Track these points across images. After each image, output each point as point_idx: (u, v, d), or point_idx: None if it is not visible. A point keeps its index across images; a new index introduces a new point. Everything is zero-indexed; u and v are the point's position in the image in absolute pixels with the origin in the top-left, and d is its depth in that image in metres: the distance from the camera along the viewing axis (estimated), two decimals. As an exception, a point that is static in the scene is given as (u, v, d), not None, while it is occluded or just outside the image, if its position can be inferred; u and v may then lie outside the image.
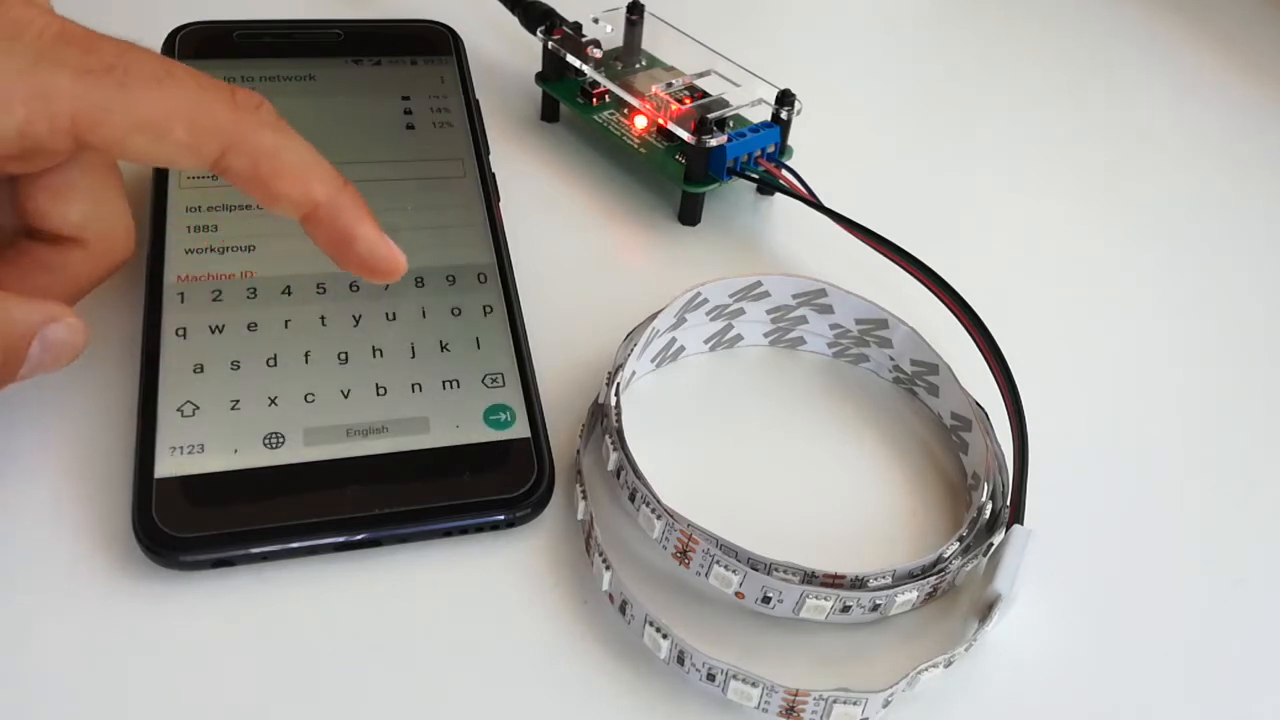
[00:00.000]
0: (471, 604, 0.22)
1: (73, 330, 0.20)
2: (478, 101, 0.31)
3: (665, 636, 0.21)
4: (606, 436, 0.24)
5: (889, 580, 0.22)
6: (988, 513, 0.24)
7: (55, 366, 0.20)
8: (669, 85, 0.33)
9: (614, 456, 0.23)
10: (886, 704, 0.21)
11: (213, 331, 0.24)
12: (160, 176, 0.27)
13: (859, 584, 0.22)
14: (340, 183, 0.21)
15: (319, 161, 0.21)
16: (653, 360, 0.27)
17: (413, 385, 0.24)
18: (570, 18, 0.34)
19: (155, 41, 0.30)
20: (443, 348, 0.25)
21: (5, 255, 0.21)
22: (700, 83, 0.33)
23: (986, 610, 0.22)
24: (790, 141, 0.32)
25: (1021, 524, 0.23)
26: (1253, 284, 0.33)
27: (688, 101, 0.32)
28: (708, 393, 0.27)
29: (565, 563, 0.23)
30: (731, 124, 0.31)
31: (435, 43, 0.33)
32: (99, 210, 0.21)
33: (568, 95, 0.34)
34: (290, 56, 0.31)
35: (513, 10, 0.35)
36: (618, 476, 0.23)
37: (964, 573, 0.23)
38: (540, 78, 0.35)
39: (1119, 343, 0.31)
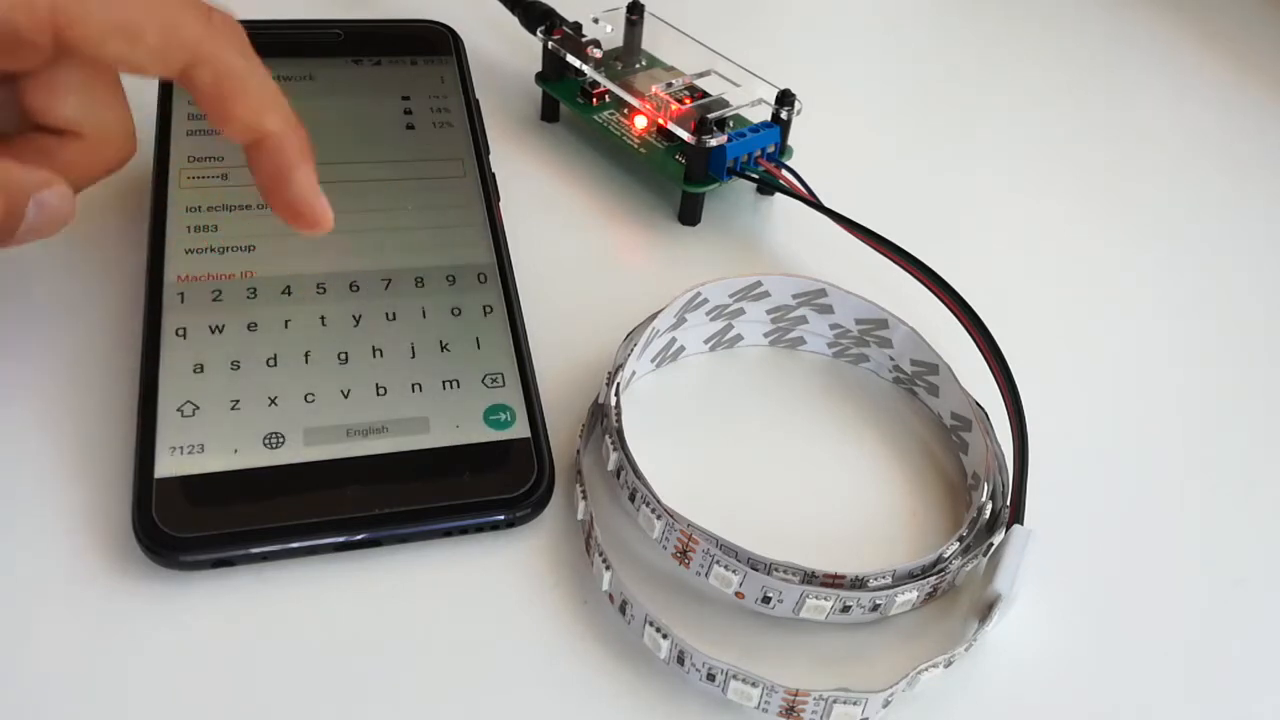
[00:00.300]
0: (471, 604, 0.22)
1: (63, 197, 0.21)
2: (478, 101, 0.31)
3: (665, 636, 0.21)
4: (606, 436, 0.24)
5: (889, 580, 0.22)
6: (988, 513, 0.24)
7: (47, 231, 0.22)
8: (669, 85, 0.33)
9: (614, 456, 0.23)
10: (886, 704, 0.21)
11: (213, 331, 0.24)
12: (160, 176, 0.27)
13: (859, 584, 0.22)
14: (294, 122, 0.23)
15: (279, 97, 0.23)
16: (653, 360, 0.27)
17: (413, 385, 0.24)
18: (570, 18, 0.34)
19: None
20: (443, 348, 0.25)
21: (13, 144, 0.23)
22: (700, 83, 0.33)
23: (986, 610, 0.22)
24: (790, 141, 0.32)
25: (1021, 524, 0.23)
26: (1253, 284, 0.33)
27: (688, 101, 0.32)
28: (708, 393, 0.27)
29: (565, 563, 0.23)
30: (731, 124, 0.31)
31: (435, 43, 0.33)
32: (93, 106, 0.22)
33: (568, 95, 0.34)
34: (290, 56, 0.31)
35: (513, 10, 0.35)
36: (618, 476, 0.23)
37: (964, 573, 0.23)
38: (540, 78, 0.35)
39: (1119, 343, 0.31)
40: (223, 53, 0.21)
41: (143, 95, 0.29)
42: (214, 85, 0.22)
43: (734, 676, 0.20)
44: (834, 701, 0.20)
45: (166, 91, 0.29)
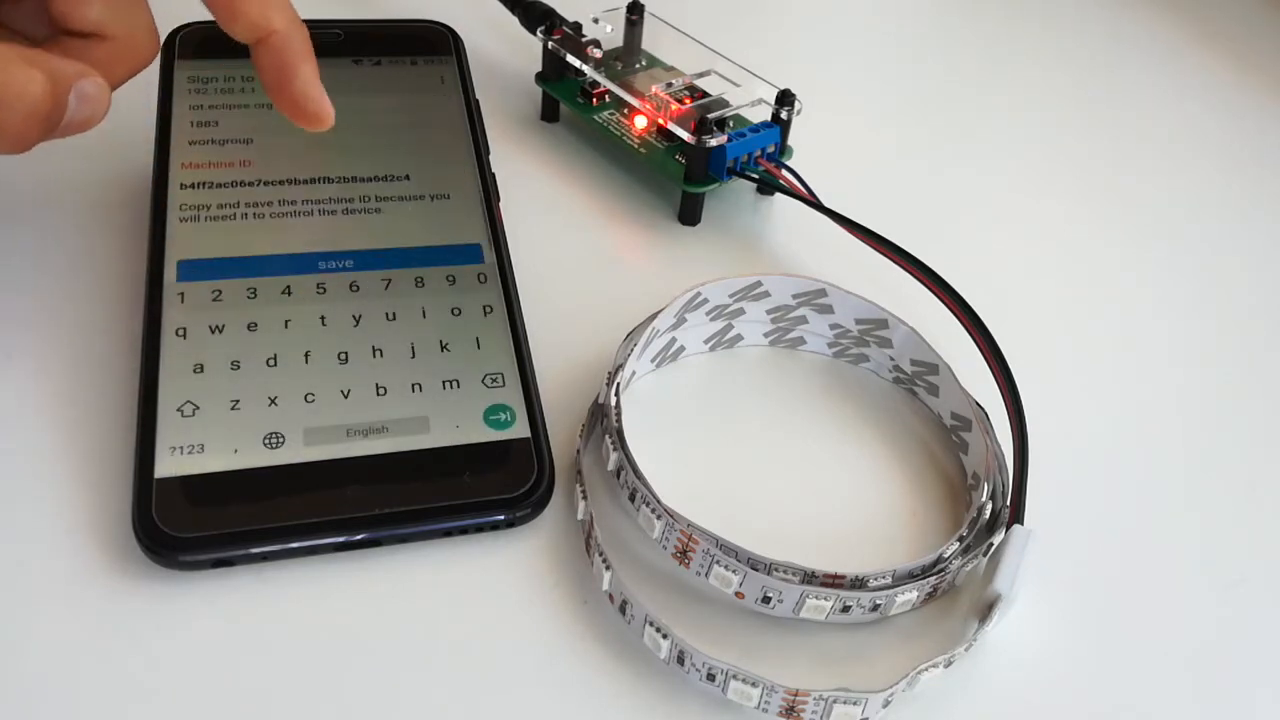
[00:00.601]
0: (471, 604, 0.22)
1: (100, 88, 0.22)
2: (478, 101, 0.31)
3: (665, 636, 0.21)
4: (606, 436, 0.24)
5: (889, 580, 0.22)
6: (988, 513, 0.24)
7: (86, 124, 0.23)
8: (669, 85, 0.33)
9: (614, 456, 0.23)
10: (886, 704, 0.21)
11: (213, 331, 0.24)
12: (160, 175, 0.27)
13: (859, 584, 0.22)
14: (298, 21, 0.24)
15: None
16: (653, 360, 0.27)
17: (413, 385, 0.24)
18: (570, 18, 0.34)
19: (155, 41, 0.30)
20: (443, 348, 0.25)
21: (45, 48, 0.24)
22: (700, 83, 0.33)
23: (986, 610, 0.22)
24: (790, 141, 0.32)
25: (1021, 524, 0.23)
26: (1253, 284, 0.33)
27: (688, 101, 0.32)
28: (708, 393, 0.27)
29: (565, 563, 0.23)
30: (731, 124, 0.31)
31: (435, 43, 0.33)
32: (116, 9, 0.24)
33: (568, 95, 0.34)
34: (290, 56, 0.31)
35: (513, 10, 0.35)
36: (618, 476, 0.23)
37: (964, 573, 0.23)
38: (540, 78, 0.35)
39: (1119, 343, 0.31)
40: None
41: (144, 92, 0.29)
42: None
43: (734, 676, 0.20)
44: (834, 701, 0.20)
45: (166, 93, 0.29)
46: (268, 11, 0.23)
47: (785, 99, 0.31)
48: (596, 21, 0.34)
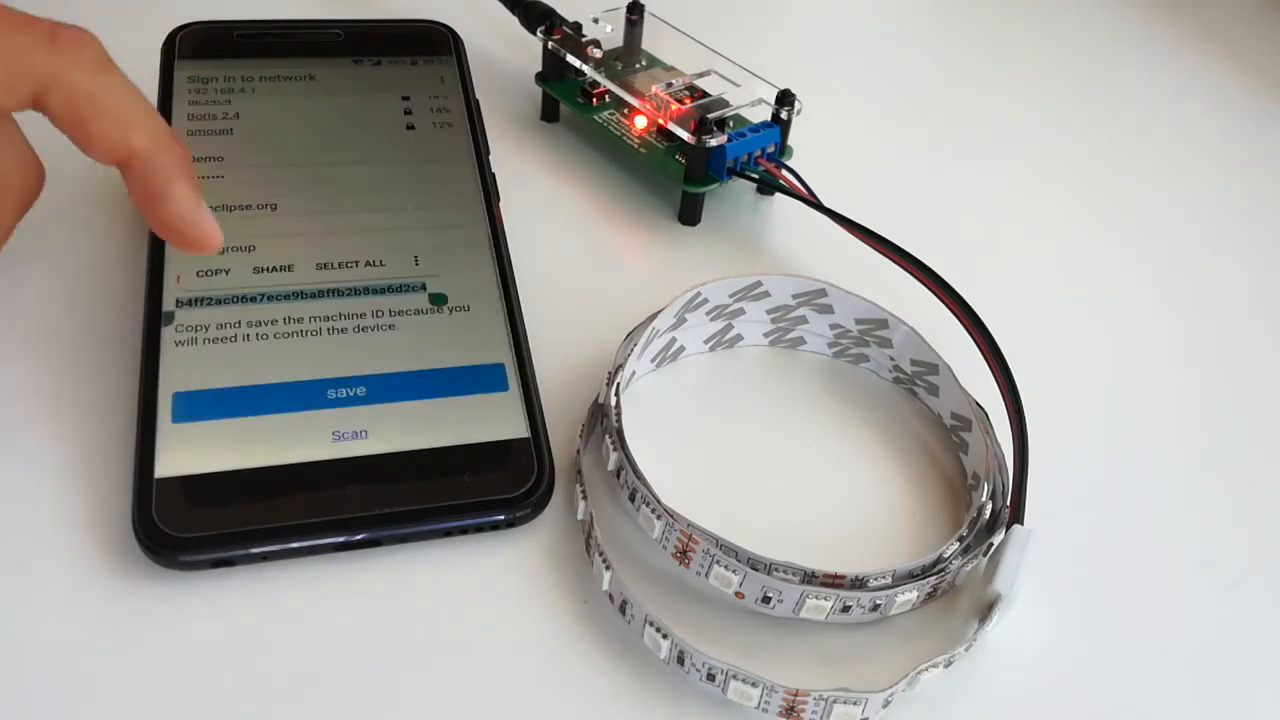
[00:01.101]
0: (471, 604, 0.22)
1: None
2: (478, 101, 0.31)
3: (665, 636, 0.21)
4: (606, 436, 0.24)
5: (889, 580, 0.22)
6: (988, 513, 0.24)
7: None
8: (669, 85, 0.33)
9: (614, 456, 0.23)
10: (886, 704, 0.21)
11: (213, 332, 0.24)
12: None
13: (859, 584, 0.22)
14: (166, 138, 0.21)
15: (146, 111, 0.21)
16: (653, 360, 0.27)
17: (412, 385, 0.24)
18: (570, 18, 0.34)
19: (155, 41, 0.30)
20: (442, 348, 0.25)
21: None
22: (700, 83, 0.33)
23: (986, 610, 0.22)
24: (790, 141, 0.32)
25: (1021, 524, 0.23)
26: (1253, 284, 0.33)
27: (688, 101, 0.32)
28: (708, 393, 0.27)
29: (565, 563, 0.23)
30: (731, 124, 0.31)
31: (435, 43, 0.33)
32: None
33: (568, 95, 0.34)
34: (290, 56, 0.31)
35: (513, 10, 0.35)
36: (618, 476, 0.23)
37: (964, 573, 0.23)
38: (540, 78, 0.35)
39: (1119, 343, 0.31)
40: (72, 74, 0.20)
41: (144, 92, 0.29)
42: (68, 109, 0.20)
43: (734, 676, 0.20)
44: (834, 701, 0.20)
45: (166, 93, 0.29)
46: (127, 131, 0.21)
47: (785, 99, 0.31)
48: (596, 21, 0.34)
